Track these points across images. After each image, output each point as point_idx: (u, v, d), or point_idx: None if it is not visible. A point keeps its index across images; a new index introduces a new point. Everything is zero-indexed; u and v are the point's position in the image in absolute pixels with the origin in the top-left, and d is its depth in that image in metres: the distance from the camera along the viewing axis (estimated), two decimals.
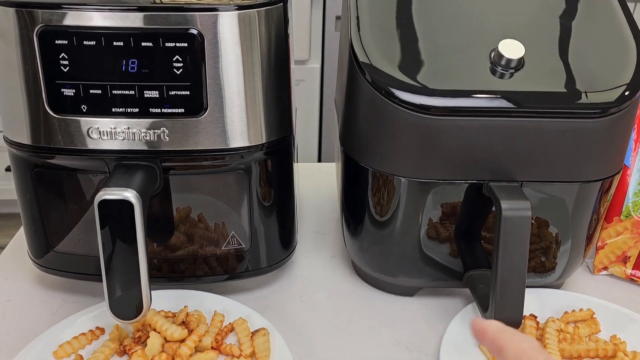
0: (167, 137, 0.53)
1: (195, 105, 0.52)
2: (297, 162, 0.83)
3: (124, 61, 0.50)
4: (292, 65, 0.61)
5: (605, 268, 0.71)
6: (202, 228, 0.60)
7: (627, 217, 0.68)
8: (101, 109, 0.51)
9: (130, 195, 0.49)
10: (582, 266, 0.73)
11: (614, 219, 0.69)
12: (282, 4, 0.54)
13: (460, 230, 0.61)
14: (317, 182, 0.91)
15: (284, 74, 0.57)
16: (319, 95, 2.19)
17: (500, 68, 0.54)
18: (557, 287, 0.68)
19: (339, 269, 0.71)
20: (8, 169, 2.13)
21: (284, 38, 0.55)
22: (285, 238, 0.65)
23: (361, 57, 0.56)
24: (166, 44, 0.49)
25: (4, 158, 2.07)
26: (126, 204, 0.49)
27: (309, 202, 0.86)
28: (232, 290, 0.66)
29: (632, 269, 0.69)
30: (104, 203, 0.49)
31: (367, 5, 0.60)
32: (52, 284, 0.66)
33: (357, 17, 0.59)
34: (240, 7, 0.51)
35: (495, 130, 0.54)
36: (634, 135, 0.69)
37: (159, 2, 0.51)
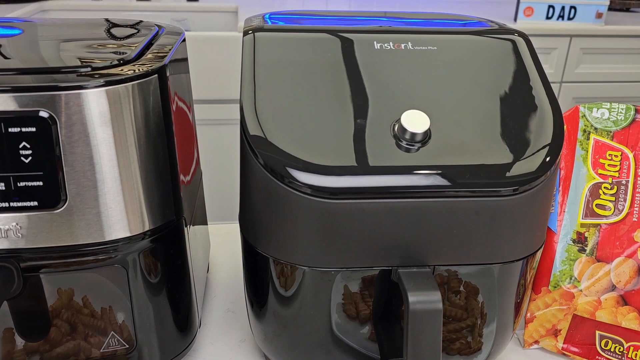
0: (20, 234, 0.45)
1: (50, 197, 0.44)
2: (207, 224, 0.76)
3: None
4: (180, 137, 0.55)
5: (536, 342, 0.66)
6: (78, 327, 0.52)
7: (555, 287, 0.63)
8: None
9: None
10: (513, 339, 0.68)
11: (542, 289, 0.64)
12: (156, 75, 0.48)
13: (374, 317, 0.55)
14: (231, 246, 0.84)
15: (169, 151, 0.51)
16: None
17: (405, 142, 0.49)
18: None
19: (248, 356, 0.64)
20: None
21: (161, 113, 0.49)
22: (182, 328, 0.58)
23: (252, 131, 0.50)
24: (9, 130, 0.42)
25: None
26: None
27: (222, 273, 0.78)
28: None
29: (564, 343, 0.65)
30: None
31: (263, 77, 0.53)
32: None
33: (254, 89, 0.52)
34: (107, 83, 0.44)
35: (400, 212, 0.48)
36: (558, 198, 0.65)
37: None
